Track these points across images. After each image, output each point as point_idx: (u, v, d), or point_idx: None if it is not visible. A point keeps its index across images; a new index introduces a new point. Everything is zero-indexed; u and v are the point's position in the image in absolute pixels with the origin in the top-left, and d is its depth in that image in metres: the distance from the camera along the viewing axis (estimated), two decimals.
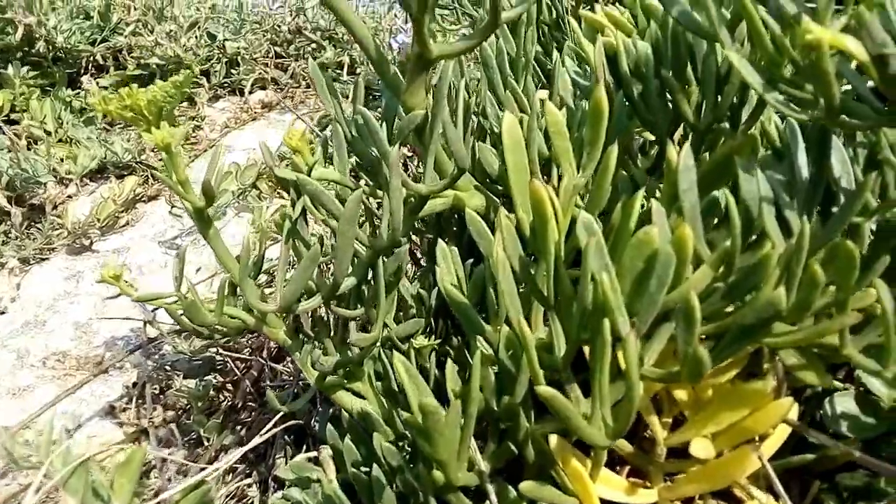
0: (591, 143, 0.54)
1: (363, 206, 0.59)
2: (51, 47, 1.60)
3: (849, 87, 0.43)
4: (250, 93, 1.89)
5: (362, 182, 0.55)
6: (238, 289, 0.57)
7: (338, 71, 1.93)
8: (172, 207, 1.21)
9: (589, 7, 1.08)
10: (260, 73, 1.89)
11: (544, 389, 0.38)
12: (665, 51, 0.55)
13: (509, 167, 0.53)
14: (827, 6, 0.43)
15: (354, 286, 0.54)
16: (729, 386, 0.50)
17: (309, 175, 0.50)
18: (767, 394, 0.47)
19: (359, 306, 0.57)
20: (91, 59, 1.66)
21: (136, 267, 1.16)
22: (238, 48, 1.87)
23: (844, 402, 0.57)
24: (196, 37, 1.73)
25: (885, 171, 0.45)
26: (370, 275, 0.55)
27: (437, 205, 0.59)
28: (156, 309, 0.98)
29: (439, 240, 0.55)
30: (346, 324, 0.58)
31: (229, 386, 0.92)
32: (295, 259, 0.54)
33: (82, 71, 1.69)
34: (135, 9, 1.68)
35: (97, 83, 1.62)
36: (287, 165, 0.56)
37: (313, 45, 2.05)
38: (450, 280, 0.54)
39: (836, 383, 0.57)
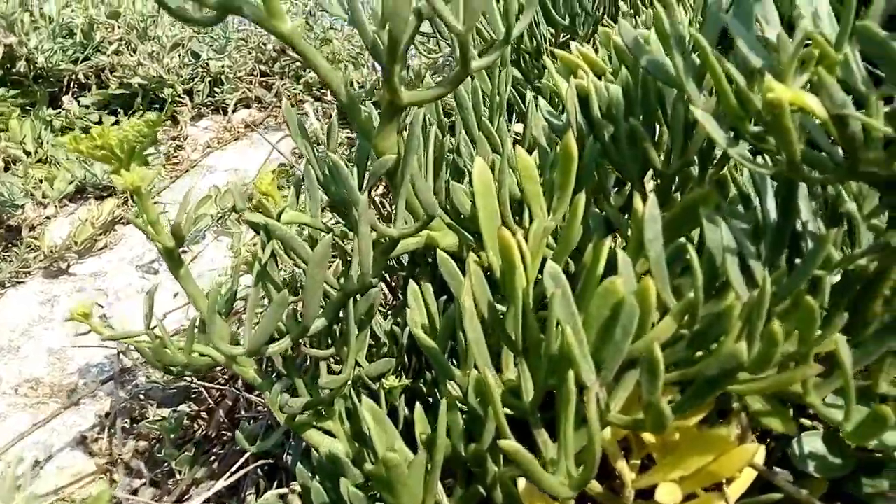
0: (562, 187, 0.55)
1: (336, 246, 0.59)
2: (32, 66, 1.59)
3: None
4: (234, 111, 1.89)
5: (335, 222, 0.55)
6: None
7: (322, 90, 1.94)
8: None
9: (568, 37, 1.10)
10: (244, 92, 1.89)
11: (508, 444, 0.38)
12: (635, 95, 0.56)
13: (479, 212, 0.53)
14: (790, 62, 0.43)
15: (325, 326, 0.54)
16: (695, 431, 0.50)
17: (279, 219, 0.50)
18: (732, 441, 0.47)
19: (330, 345, 0.57)
20: (73, 77, 1.65)
21: (113, 292, 1.15)
22: (222, 67, 1.87)
23: (812, 442, 0.57)
24: (179, 55, 1.73)
25: (849, 224, 0.46)
26: (342, 313, 0.55)
27: (410, 244, 0.59)
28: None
29: (411, 280, 0.55)
30: (318, 363, 0.58)
31: (203, 415, 0.91)
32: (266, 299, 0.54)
33: (64, 90, 1.69)
34: (118, 27, 1.68)
35: (79, 102, 1.61)
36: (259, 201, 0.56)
37: (298, 63, 2.05)
38: (421, 322, 0.54)
39: (805, 421, 0.57)
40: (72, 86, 1.66)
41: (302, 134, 0.54)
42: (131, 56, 1.56)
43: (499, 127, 0.62)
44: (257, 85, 1.97)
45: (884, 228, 0.45)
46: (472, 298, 0.50)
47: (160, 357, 0.50)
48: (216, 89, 1.85)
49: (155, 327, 0.56)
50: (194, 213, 1.21)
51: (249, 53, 2.10)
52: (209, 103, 1.86)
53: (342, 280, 0.51)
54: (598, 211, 0.63)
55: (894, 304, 0.47)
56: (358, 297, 0.54)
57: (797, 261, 0.47)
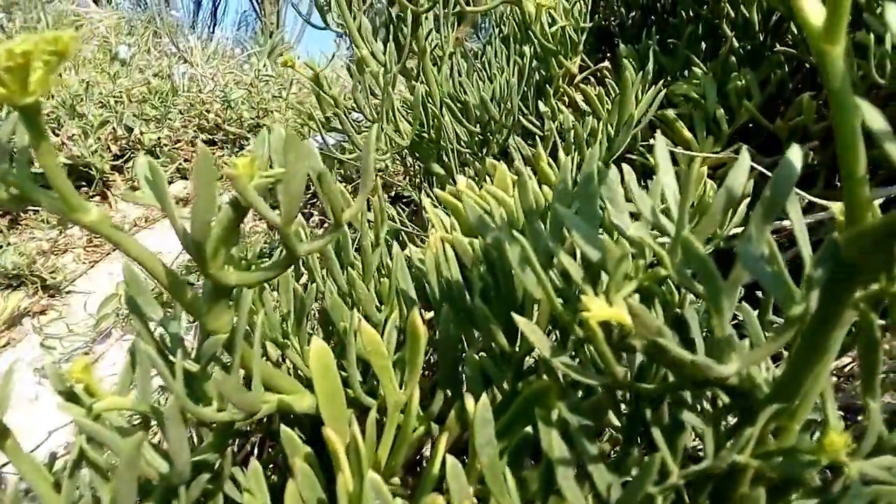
0: (411, 362, 0.52)
1: None
2: None
3: None
4: (170, 182, 1.85)
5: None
6: None
7: None
8: (44, 339, 1.15)
9: (476, 149, 1.08)
10: (179, 164, 1.86)
11: None
12: (489, 273, 0.53)
13: (319, 396, 0.50)
14: (616, 268, 0.41)
15: None
16: None
17: (91, 410, 0.46)
18: None
19: None
20: None
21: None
22: (158, 138, 1.84)
23: None
24: (112, 129, 1.69)
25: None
26: None
27: (262, 410, 0.55)
28: None
29: (252, 460, 0.52)
30: None
31: None
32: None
33: None
34: (45, 103, 1.64)
35: None
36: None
37: (241, 131, 2.03)
38: None
39: None
40: None
41: (142, 322, 0.51)
42: (56, 136, 1.52)
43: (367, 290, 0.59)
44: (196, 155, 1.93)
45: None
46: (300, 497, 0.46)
47: None
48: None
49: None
50: (98, 315, 1.16)
51: (192, 121, 2.07)
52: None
53: (164, 474, 0.47)
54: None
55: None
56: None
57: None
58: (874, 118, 0.31)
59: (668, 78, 1.26)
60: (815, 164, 0.97)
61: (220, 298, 0.47)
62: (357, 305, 0.60)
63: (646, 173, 1.19)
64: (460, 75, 1.27)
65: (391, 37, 1.17)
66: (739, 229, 0.97)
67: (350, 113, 1.07)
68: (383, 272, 0.69)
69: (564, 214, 0.44)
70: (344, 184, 1.66)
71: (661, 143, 0.47)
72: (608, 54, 1.53)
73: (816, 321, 0.36)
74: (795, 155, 0.40)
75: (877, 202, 0.37)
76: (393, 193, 1.80)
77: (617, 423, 0.45)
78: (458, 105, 1.04)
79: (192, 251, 0.42)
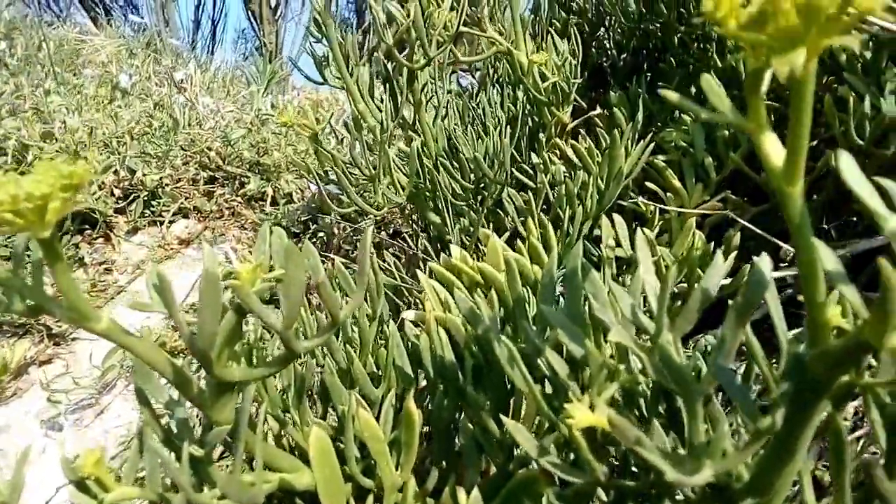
0: (407, 444, 0.54)
1: None
2: None
3: None
4: (171, 222, 1.88)
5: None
6: None
7: (261, 202, 1.94)
8: (51, 394, 1.17)
9: (471, 200, 1.11)
10: (181, 204, 1.89)
11: None
12: (480, 353, 0.56)
13: (319, 483, 0.52)
14: (597, 375, 0.44)
15: None
16: None
17: (101, 502, 0.49)
18: None
19: None
20: None
21: (14, 453, 1.10)
22: (160, 178, 1.87)
23: None
24: (115, 173, 1.73)
25: None
26: None
27: (263, 490, 0.58)
28: None
29: None
30: None
31: None
32: None
33: None
34: (49, 146, 1.67)
35: None
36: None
37: (241, 170, 2.06)
38: None
39: None
40: None
41: (143, 402, 0.53)
42: None
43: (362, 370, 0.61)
44: (198, 194, 1.97)
45: None
46: None
47: None
48: (153, 202, 1.85)
49: None
50: (103, 367, 1.18)
51: (193, 158, 2.10)
52: (146, 214, 1.85)
53: None
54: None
55: None
56: None
57: None
58: (828, 258, 0.33)
59: (659, 123, 1.30)
60: None
61: (224, 393, 0.50)
62: (355, 383, 0.62)
63: (637, 219, 1.22)
64: (455, 125, 1.30)
65: (387, 90, 1.21)
66: (728, 280, 0.99)
67: (348, 167, 1.10)
68: (381, 341, 0.72)
69: (549, 314, 0.46)
70: (344, 224, 1.69)
71: (641, 240, 0.50)
72: (601, 91, 1.57)
73: (785, 429, 0.38)
74: (765, 264, 0.43)
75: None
76: (391, 230, 1.83)
77: None
78: (453, 162, 1.07)
79: (199, 356, 0.44)
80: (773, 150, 0.34)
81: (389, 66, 1.19)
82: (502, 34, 1.25)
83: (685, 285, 0.99)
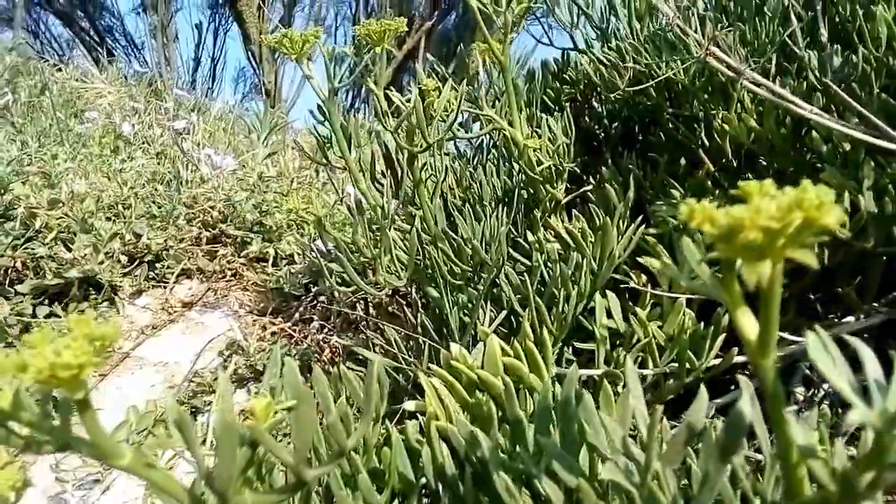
0: None
1: None
2: None
3: None
4: (175, 283, 1.91)
5: None
6: None
7: (263, 262, 1.98)
8: (59, 473, 1.19)
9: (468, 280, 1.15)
10: (185, 265, 1.92)
11: None
12: (479, 464, 0.58)
13: None
14: None
15: None
16: None
17: None
18: None
19: None
20: (12, 265, 1.67)
21: None
22: (164, 241, 1.91)
23: None
24: (121, 240, 1.76)
25: None
26: None
27: None
28: None
29: None
30: None
31: None
32: None
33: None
34: (58, 213, 1.72)
35: (14, 290, 1.62)
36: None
37: (243, 231, 2.10)
38: None
39: None
40: (9, 272, 1.67)
41: None
42: (66, 254, 1.59)
43: None
44: (201, 253, 2.00)
45: None
46: None
47: None
48: (157, 264, 1.88)
49: None
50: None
51: (196, 216, 2.14)
52: (151, 276, 1.88)
53: None
54: None
55: None
56: None
57: None
58: (799, 434, 0.37)
59: (650, 194, 1.34)
60: (785, 296, 1.04)
61: None
62: (357, 487, 0.65)
63: (629, 292, 1.25)
64: (453, 202, 1.34)
65: (388, 168, 1.25)
66: (717, 360, 1.02)
67: (350, 246, 1.14)
68: (382, 435, 0.74)
69: (546, 445, 0.49)
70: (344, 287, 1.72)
71: (630, 368, 0.53)
72: (595, 156, 1.61)
73: None
74: (746, 404, 0.46)
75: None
76: (390, 290, 1.86)
77: None
78: (452, 241, 1.11)
79: (216, 494, 0.47)
80: (748, 324, 0.38)
81: (390, 145, 1.24)
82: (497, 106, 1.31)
83: (676, 364, 1.03)
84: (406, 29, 1.17)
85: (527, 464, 0.51)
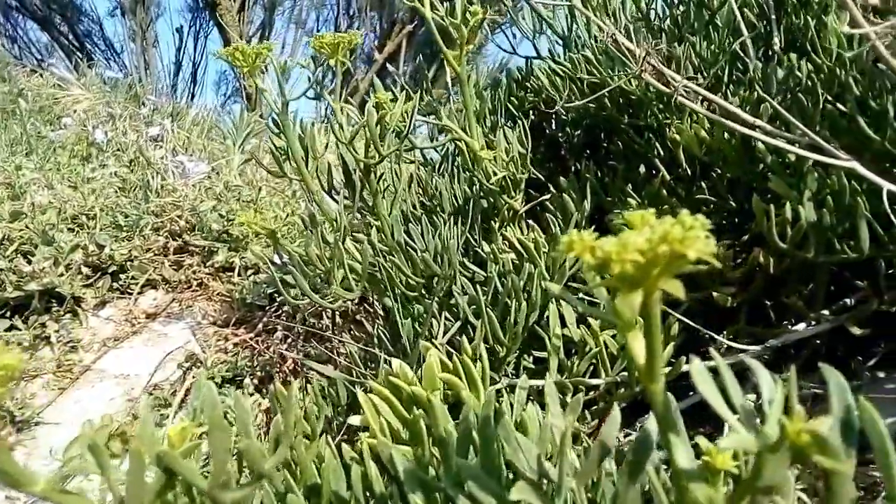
0: None
1: None
2: None
3: None
4: (140, 294, 1.90)
5: None
6: None
7: (229, 272, 1.97)
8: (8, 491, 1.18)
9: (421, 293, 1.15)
10: (150, 275, 1.91)
11: None
12: None
13: None
14: None
15: None
16: None
17: None
18: None
19: None
20: None
21: None
22: (129, 251, 1.89)
23: None
24: (83, 250, 1.75)
25: None
26: None
27: None
28: None
29: None
30: None
31: None
32: None
33: None
34: (19, 227, 1.70)
35: None
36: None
37: (208, 242, 2.08)
38: None
39: None
40: None
41: None
42: (28, 264, 1.57)
43: None
44: (168, 263, 1.99)
45: None
46: None
47: None
48: (121, 275, 1.87)
49: None
50: (63, 457, 1.19)
51: (163, 226, 2.13)
52: (114, 288, 1.87)
53: None
54: None
55: None
56: None
57: None
58: (682, 456, 0.37)
59: (609, 202, 1.35)
60: (735, 305, 1.05)
61: None
62: None
63: (590, 303, 1.26)
64: (412, 210, 1.35)
65: (346, 180, 1.25)
66: (668, 369, 1.03)
67: (305, 259, 1.14)
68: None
69: (462, 466, 0.50)
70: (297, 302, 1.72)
71: (550, 387, 0.54)
72: (559, 162, 1.63)
73: None
74: (652, 426, 0.47)
75: None
76: (356, 299, 1.86)
77: None
78: (408, 252, 1.11)
79: None
80: (639, 349, 0.38)
81: (347, 158, 1.24)
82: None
83: (626, 374, 1.03)
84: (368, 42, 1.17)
85: (446, 484, 0.51)
